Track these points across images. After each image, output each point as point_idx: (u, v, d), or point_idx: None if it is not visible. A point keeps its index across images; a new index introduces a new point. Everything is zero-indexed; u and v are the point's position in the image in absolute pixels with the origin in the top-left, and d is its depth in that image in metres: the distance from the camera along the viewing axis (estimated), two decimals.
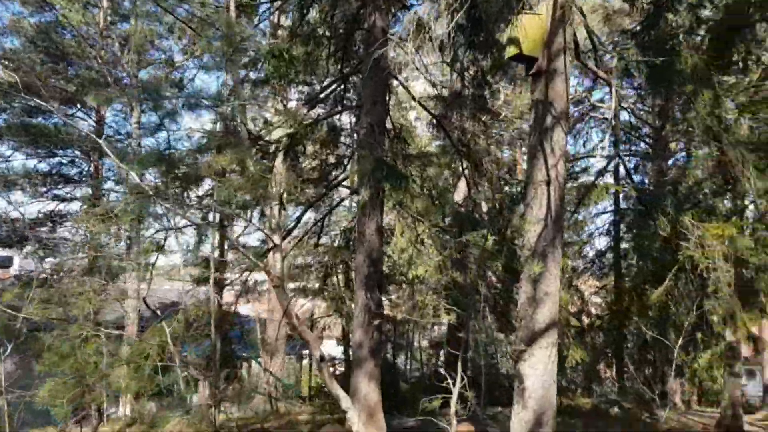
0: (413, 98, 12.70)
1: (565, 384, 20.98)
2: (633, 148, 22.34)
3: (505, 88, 19.88)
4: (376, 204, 10.63)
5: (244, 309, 22.89)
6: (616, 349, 23.41)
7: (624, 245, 24.14)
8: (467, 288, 11.61)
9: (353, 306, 11.97)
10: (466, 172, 14.85)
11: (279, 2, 13.89)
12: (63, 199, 20.93)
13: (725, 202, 13.34)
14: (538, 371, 7.64)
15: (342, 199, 13.07)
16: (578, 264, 24.77)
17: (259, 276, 22.01)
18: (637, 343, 21.38)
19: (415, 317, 15.31)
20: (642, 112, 21.56)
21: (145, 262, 11.57)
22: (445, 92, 16.89)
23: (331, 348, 27.75)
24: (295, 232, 18.17)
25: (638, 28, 9.49)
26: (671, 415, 19.51)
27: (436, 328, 29.19)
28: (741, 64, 12.00)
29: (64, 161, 20.57)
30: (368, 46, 11.64)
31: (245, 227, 16.48)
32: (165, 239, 10.01)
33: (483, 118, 14.69)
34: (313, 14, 12.53)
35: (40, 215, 20.33)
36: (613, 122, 8.39)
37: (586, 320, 22.38)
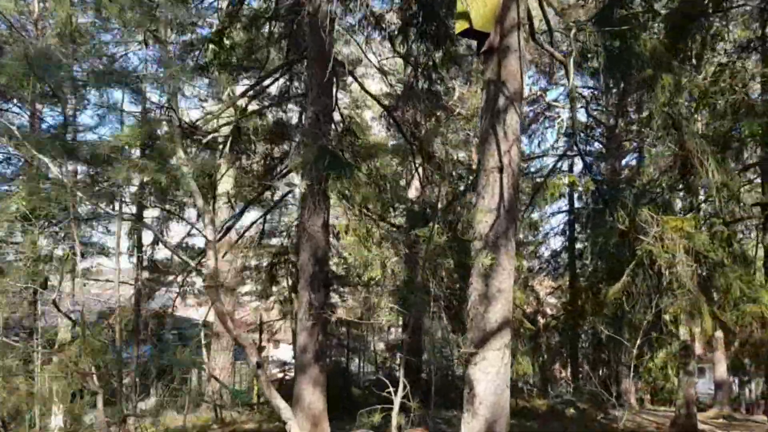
0: (362, 87, 11.86)
1: (520, 385, 20.43)
2: (587, 148, 21.98)
3: (461, 86, 19.24)
4: (319, 197, 9.72)
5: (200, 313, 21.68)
6: (571, 349, 23.00)
7: (579, 245, 23.80)
8: (418, 287, 10.79)
9: (297, 308, 11.04)
10: (419, 170, 14.10)
11: None
12: None
13: (681, 198, 12.85)
14: (489, 375, 6.81)
15: (285, 194, 12.14)
16: (534, 264, 24.33)
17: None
18: (593, 342, 20.91)
19: (365, 320, 14.51)
20: (596, 112, 21.17)
21: (73, 262, 10.43)
22: (399, 88, 16.10)
23: (287, 352, 26.63)
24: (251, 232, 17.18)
25: (594, 20, 8.84)
26: (626, 414, 19.13)
27: (393, 330, 28.38)
28: (695, 56, 11.51)
29: None
30: (313, 32, 10.76)
31: (191, 227, 15.35)
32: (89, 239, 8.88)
33: (437, 113, 13.94)
34: None
35: None
36: (570, 108, 7.63)
37: (541, 321, 21.90)
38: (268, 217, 17.80)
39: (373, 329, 21.63)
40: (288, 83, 12.24)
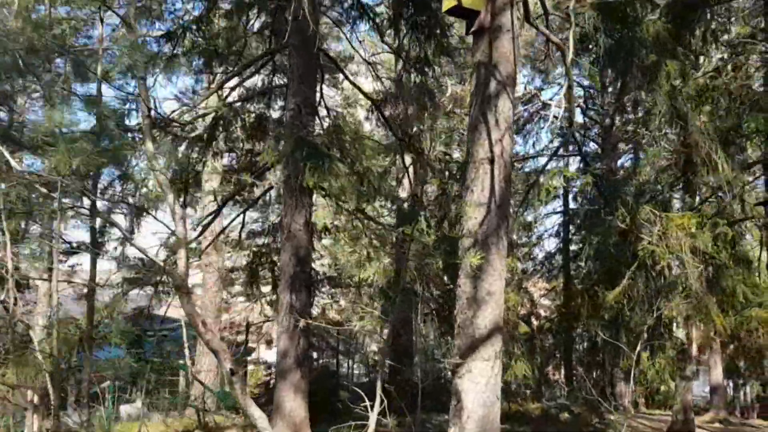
0: (346, 78, 11.12)
1: (513, 388, 19.70)
2: (583, 149, 21.26)
3: (455, 85, 18.52)
4: (298, 192, 8.97)
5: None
6: (565, 352, 22.27)
7: (574, 247, 23.09)
8: (404, 289, 10.04)
9: (279, 310, 10.29)
10: (410, 168, 13.37)
11: None
12: None
13: (680, 198, 12.15)
14: (479, 386, 6.06)
15: (265, 191, 11.34)
16: (528, 266, 23.61)
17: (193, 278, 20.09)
18: (588, 345, 20.16)
19: (355, 322, 13.74)
20: (592, 111, 20.46)
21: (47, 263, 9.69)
22: (389, 84, 15.36)
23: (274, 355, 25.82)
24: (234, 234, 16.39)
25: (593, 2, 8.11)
26: (621, 419, 18.43)
27: (386, 331, 27.59)
28: (697, 51, 10.80)
29: None
30: (296, 19, 10.01)
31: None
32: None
33: (428, 109, 13.19)
34: None
35: None
36: (567, 94, 6.88)
37: (535, 323, 21.16)
38: (256, 215, 17.06)
39: (364, 331, 20.86)
40: (271, 75, 11.48)
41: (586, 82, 20.55)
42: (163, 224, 8.29)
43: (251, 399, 8.42)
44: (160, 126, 9.61)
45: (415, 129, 13.59)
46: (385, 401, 6.42)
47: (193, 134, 10.52)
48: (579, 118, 21.75)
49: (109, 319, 10.22)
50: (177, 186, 10.38)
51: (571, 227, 22.93)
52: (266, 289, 16.52)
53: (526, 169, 21.48)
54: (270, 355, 27.56)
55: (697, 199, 12.64)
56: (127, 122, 9.17)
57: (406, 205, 13.32)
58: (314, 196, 9.78)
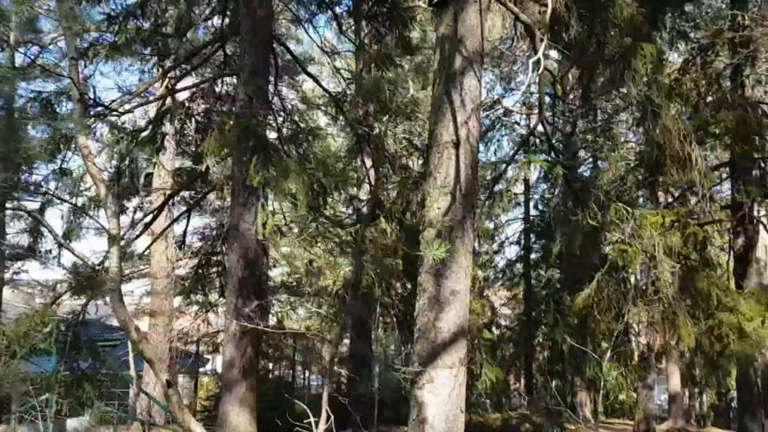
0: (304, 71, 10.31)
1: (473, 399, 19.02)
2: (543, 157, 20.87)
3: (418, 90, 17.87)
4: (244, 188, 8.07)
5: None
6: (526, 360, 21.76)
7: (534, 255, 22.68)
8: (365, 294, 9.24)
9: (224, 316, 9.34)
10: (370, 171, 12.58)
11: None
12: None
13: (644, 198, 11.67)
14: (440, 398, 5.26)
15: (209, 191, 10.36)
16: (489, 274, 23.08)
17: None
18: (549, 354, 19.63)
19: (311, 332, 12.89)
20: (555, 118, 20.08)
21: None
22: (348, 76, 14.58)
23: None
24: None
25: None
26: (582, 428, 17.95)
27: (346, 341, 26.66)
28: (667, 39, 10.32)
29: None
30: (247, 3, 9.18)
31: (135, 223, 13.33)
32: None
33: (389, 107, 12.44)
34: None
35: None
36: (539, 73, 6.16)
37: (496, 332, 20.58)
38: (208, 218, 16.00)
39: (323, 340, 19.90)
40: (222, 67, 10.56)
41: (547, 89, 20.19)
42: (98, 222, 7.30)
43: (189, 414, 7.46)
44: (96, 114, 8.61)
45: (375, 128, 12.86)
46: (332, 417, 5.55)
47: (136, 127, 9.54)
48: (539, 127, 21.44)
49: (40, 325, 9.08)
50: (113, 181, 9.36)
51: (531, 235, 22.54)
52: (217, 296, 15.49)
53: (488, 177, 21.01)
54: None
55: (661, 201, 12.21)
56: (58, 109, 8.19)
57: (365, 208, 12.52)
58: (267, 192, 8.89)
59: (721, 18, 12.13)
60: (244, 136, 7.09)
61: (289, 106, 12.11)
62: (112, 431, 13.96)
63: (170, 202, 12.47)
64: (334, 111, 10.99)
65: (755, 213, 11.56)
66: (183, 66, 9.84)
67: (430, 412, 5.25)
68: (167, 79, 9.89)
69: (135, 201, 11.96)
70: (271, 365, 19.50)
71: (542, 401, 19.34)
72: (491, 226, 22.20)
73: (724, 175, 12.86)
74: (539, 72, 5.40)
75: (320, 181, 7.05)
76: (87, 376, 9.84)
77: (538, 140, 19.92)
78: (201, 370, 21.80)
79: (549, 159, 13.08)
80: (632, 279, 8.82)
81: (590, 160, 21.51)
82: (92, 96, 8.67)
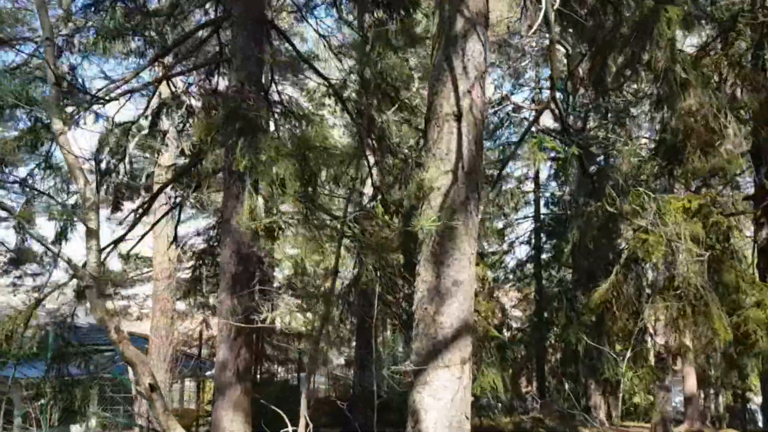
0: (300, 56, 9.69)
1: (484, 401, 18.27)
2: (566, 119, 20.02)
3: (423, 88, 17.22)
4: (236, 178, 7.45)
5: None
6: (538, 362, 20.97)
7: (545, 255, 21.92)
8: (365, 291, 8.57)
9: (218, 315, 8.69)
10: (373, 166, 11.91)
11: None
12: None
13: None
14: (442, 402, 4.56)
15: (205, 177, 9.78)
16: (498, 275, 22.32)
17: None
18: (562, 356, 18.79)
19: (314, 332, 12.21)
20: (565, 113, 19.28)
21: None
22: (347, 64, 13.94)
23: None
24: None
25: None
26: None
27: (354, 343, 25.98)
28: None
29: None
30: None
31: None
32: None
33: (393, 100, 11.78)
34: None
35: None
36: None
37: (507, 334, 19.81)
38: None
39: (329, 343, 19.22)
40: (218, 55, 9.96)
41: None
42: (79, 219, 6.69)
43: (174, 419, 6.83)
44: (79, 102, 8.02)
45: (379, 123, 12.21)
46: (311, 425, 4.87)
47: (130, 119, 8.97)
48: (549, 122, 20.67)
49: (23, 329, 8.49)
50: (106, 176, 8.79)
51: (542, 235, 21.78)
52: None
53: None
54: None
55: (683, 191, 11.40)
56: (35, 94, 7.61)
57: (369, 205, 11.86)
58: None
59: None
60: (231, 119, 6.47)
61: (287, 97, 11.44)
62: None
63: (172, 202, 11.97)
64: (334, 102, 10.34)
65: None
66: (175, 50, 9.25)
67: (429, 419, 4.56)
68: (158, 66, 9.31)
69: (136, 202, 11.44)
70: (276, 367, 18.87)
71: (555, 404, 18.61)
72: (500, 225, 21.50)
73: (744, 166, 12.05)
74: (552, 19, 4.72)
75: (312, 168, 6.40)
76: (76, 382, 9.27)
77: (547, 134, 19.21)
78: (207, 373, 21.24)
79: (561, 139, 12.27)
80: (651, 274, 8.11)
81: (602, 157, 20.71)
82: (77, 84, 8.13)
